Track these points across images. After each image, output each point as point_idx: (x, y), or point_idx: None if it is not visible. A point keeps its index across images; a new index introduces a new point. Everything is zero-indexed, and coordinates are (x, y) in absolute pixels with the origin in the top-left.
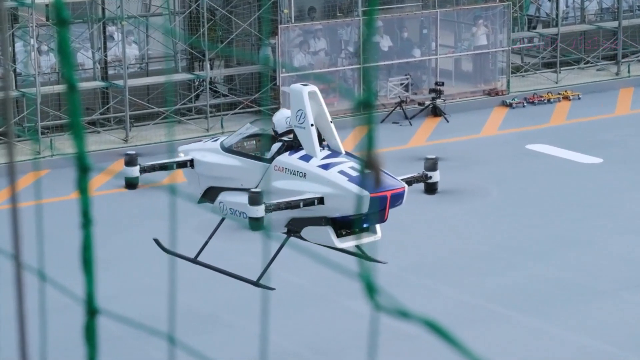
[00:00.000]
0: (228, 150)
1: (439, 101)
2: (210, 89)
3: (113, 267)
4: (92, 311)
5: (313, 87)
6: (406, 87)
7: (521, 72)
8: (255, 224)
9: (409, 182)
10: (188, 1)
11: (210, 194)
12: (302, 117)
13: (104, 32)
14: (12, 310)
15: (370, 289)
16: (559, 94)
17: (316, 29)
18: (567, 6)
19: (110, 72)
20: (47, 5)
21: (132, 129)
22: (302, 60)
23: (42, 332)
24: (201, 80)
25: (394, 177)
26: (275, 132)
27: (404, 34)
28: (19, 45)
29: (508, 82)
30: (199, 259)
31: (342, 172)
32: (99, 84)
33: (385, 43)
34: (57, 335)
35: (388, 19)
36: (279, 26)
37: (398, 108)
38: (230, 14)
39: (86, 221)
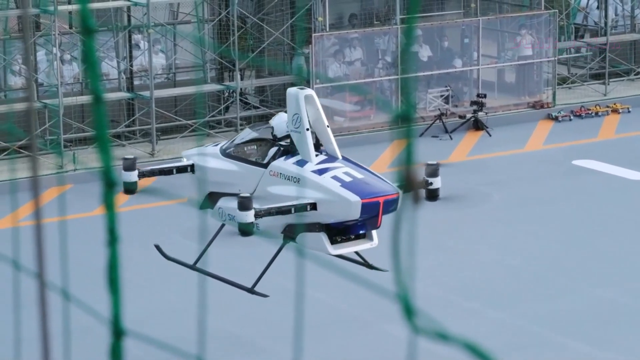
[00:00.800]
0: (227, 155)
1: (480, 114)
2: (240, 100)
3: (138, 287)
4: (118, 333)
5: (310, 91)
6: (446, 99)
7: (568, 84)
8: (245, 229)
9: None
10: (218, 8)
11: (211, 200)
12: (297, 121)
13: (130, 41)
14: (35, 331)
15: (408, 311)
16: (608, 106)
17: (352, 37)
18: (616, 14)
19: (136, 82)
20: (70, 13)
21: (159, 142)
22: (337, 71)
23: (66, 355)
24: (231, 91)
25: (388, 182)
26: (275, 136)
27: (444, 43)
28: (40, 54)
29: (554, 94)
30: (197, 265)
31: (335, 178)
32: (124, 94)
33: (424, 53)
34: (81, 358)
35: (428, 27)
36: (313, 34)
37: (438, 121)
38: (262, 21)
39: (112, 238)
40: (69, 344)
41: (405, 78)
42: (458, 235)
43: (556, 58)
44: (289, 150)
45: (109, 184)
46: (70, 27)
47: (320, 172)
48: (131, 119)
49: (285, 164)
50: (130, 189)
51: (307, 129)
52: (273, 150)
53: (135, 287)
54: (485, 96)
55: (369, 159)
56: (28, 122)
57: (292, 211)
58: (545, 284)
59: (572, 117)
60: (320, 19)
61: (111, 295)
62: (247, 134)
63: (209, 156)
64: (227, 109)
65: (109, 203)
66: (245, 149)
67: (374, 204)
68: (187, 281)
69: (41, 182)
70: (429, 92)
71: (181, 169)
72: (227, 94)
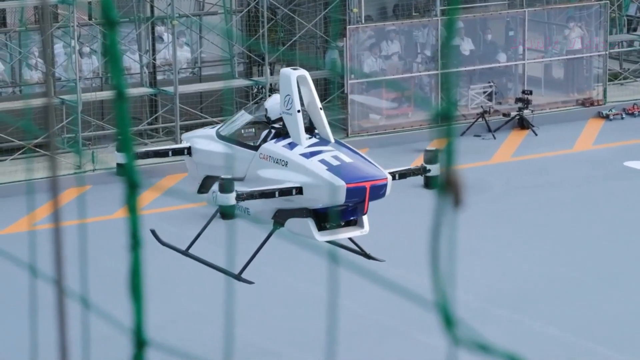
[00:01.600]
0: (222, 137)
1: (526, 112)
2: (270, 96)
3: (159, 293)
4: (140, 343)
5: (303, 72)
6: (490, 96)
7: (619, 80)
8: (225, 212)
9: (404, 174)
10: None
11: (207, 184)
12: (289, 102)
13: (153, 33)
14: (52, 340)
15: (448, 321)
16: None
17: (389, 30)
18: None
19: (159, 77)
20: (89, 3)
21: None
22: (373, 65)
23: None
24: (260, 87)
25: (377, 167)
26: (268, 118)
27: (487, 36)
28: (58, 46)
29: (604, 90)
30: (190, 251)
31: (322, 161)
32: (146, 90)
33: (466, 46)
34: None
35: (470, 19)
36: (348, 27)
37: (480, 119)
38: (294, 13)
39: (135, 243)
40: (88, 354)
41: (445, 73)
42: (496, 239)
43: (607, 52)
44: (281, 133)
45: (132, 185)
46: (90, 18)
47: (309, 155)
48: (154, 116)
49: (275, 147)
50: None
51: (298, 111)
52: (265, 132)
53: (156, 293)
54: (531, 93)
55: (405, 160)
56: (45, 119)
57: (276, 195)
58: (591, 292)
59: (624, 116)
60: (355, 10)
61: (133, 302)
62: (241, 115)
63: (205, 138)
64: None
65: (131, 205)
66: (240, 131)
67: (360, 189)
68: (209, 287)
69: (59, 183)
70: (471, 88)
71: (177, 151)
72: (255, 90)
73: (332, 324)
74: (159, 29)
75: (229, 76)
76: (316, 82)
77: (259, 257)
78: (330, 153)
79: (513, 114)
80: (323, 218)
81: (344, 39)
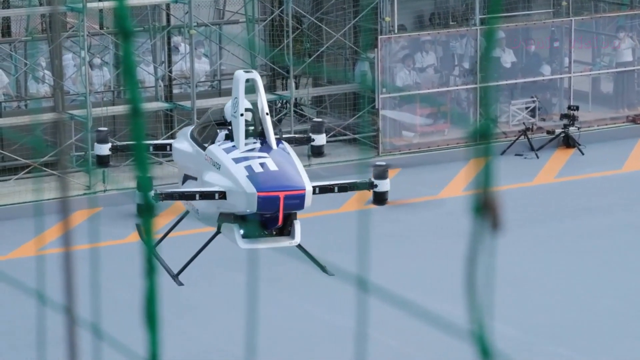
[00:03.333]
0: (191, 136)
1: (572, 129)
2: (295, 112)
3: (175, 323)
4: None
5: (253, 75)
6: (532, 112)
7: None
8: (102, 160)
9: (344, 187)
10: (270, 7)
11: (186, 182)
12: (236, 105)
13: (169, 44)
14: None
15: (485, 352)
16: None
17: (424, 40)
18: None
19: (176, 91)
20: (101, 11)
21: None
22: (407, 79)
23: None
24: (285, 101)
25: (301, 177)
26: (225, 120)
27: (530, 48)
28: (67, 57)
29: None
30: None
31: (248, 167)
32: (161, 105)
33: (507, 58)
34: None
35: (512, 28)
36: (379, 37)
37: (522, 137)
38: (321, 21)
39: (150, 268)
40: None
41: (485, 87)
42: (538, 267)
43: None
44: (231, 136)
45: (147, 207)
46: (101, 27)
47: (239, 160)
48: (170, 133)
49: (216, 149)
50: (103, 161)
51: (242, 114)
52: (220, 134)
53: (170, 323)
54: (577, 108)
55: (441, 180)
56: (55, 135)
57: (197, 197)
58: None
59: None
60: (387, 18)
61: (148, 332)
62: (207, 116)
63: (181, 136)
64: (279, 121)
65: (146, 229)
66: (205, 131)
67: (273, 199)
68: (230, 319)
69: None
70: (513, 103)
71: (159, 147)
72: (280, 105)
73: (360, 357)
74: (176, 39)
75: (251, 90)
76: (344, 96)
77: (272, 286)
78: (259, 160)
79: (558, 131)
80: (253, 225)
81: (375, 49)
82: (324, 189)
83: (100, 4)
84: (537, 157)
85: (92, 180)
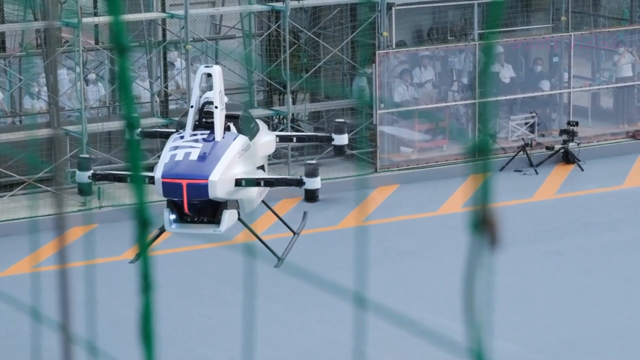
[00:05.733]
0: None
1: (571, 145)
2: (292, 127)
3: (173, 340)
4: None
5: (212, 69)
6: (532, 128)
7: None
8: (82, 188)
9: (271, 182)
10: (267, 22)
11: None
12: (192, 97)
13: (165, 59)
14: None
15: None
16: None
17: (422, 55)
18: None
19: (172, 106)
20: (96, 26)
21: None
22: (404, 94)
23: None
24: (281, 117)
25: (216, 170)
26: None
27: (530, 63)
28: (61, 72)
29: None
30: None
31: (172, 155)
32: (157, 120)
33: (506, 73)
34: None
35: (511, 43)
36: (377, 52)
37: (521, 153)
38: (318, 37)
39: (146, 285)
40: None
41: (483, 103)
42: (539, 284)
43: None
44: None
45: (143, 224)
46: (97, 43)
47: (172, 148)
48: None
49: (170, 138)
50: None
51: (191, 106)
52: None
53: (169, 341)
54: (577, 124)
55: (439, 197)
56: (50, 152)
57: (128, 180)
58: None
59: None
60: (385, 33)
61: (144, 350)
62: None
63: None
64: None
65: (142, 245)
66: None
67: (175, 185)
68: (230, 337)
69: (60, 222)
70: (512, 119)
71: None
72: (276, 120)
73: None
74: (172, 54)
75: (248, 105)
76: (342, 112)
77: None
78: (188, 149)
79: (557, 147)
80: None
81: (373, 65)
82: (249, 182)
83: (96, 19)
84: (537, 173)
85: (88, 197)
